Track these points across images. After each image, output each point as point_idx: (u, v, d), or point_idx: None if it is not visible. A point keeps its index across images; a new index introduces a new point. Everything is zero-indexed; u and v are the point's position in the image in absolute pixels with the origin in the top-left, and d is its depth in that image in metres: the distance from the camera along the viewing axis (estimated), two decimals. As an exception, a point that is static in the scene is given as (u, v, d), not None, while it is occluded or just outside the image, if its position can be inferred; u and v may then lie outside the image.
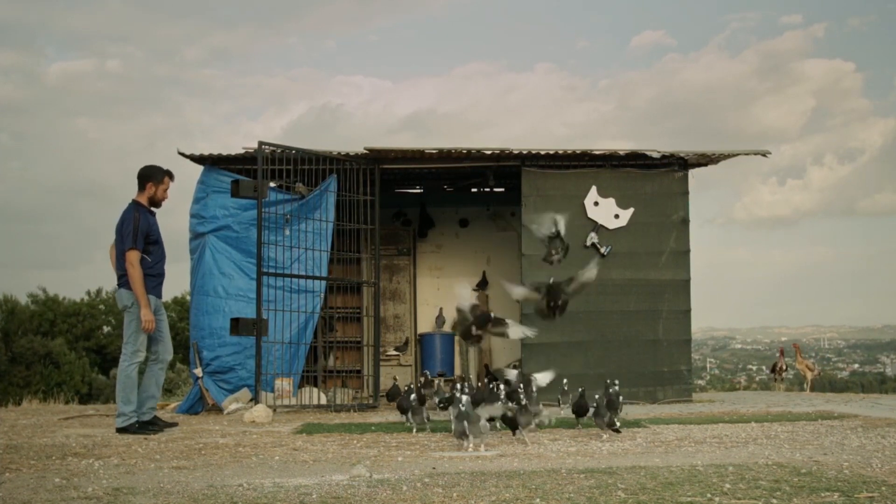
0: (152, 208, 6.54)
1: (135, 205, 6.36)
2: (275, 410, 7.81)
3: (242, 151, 8.62)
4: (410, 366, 10.95)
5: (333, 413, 8.17)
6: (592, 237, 8.75)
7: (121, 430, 6.35)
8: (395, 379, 8.31)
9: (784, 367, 10.79)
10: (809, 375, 10.58)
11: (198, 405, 8.39)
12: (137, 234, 6.20)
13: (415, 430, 6.34)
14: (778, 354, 11.14)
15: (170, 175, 6.55)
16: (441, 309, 10.91)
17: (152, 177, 6.44)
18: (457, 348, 10.72)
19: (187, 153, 8.64)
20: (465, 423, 5.13)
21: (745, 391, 13.68)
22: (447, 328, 10.83)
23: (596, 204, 8.81)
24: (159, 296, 6.51)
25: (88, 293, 30.19)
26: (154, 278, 6.31)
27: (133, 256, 6.19)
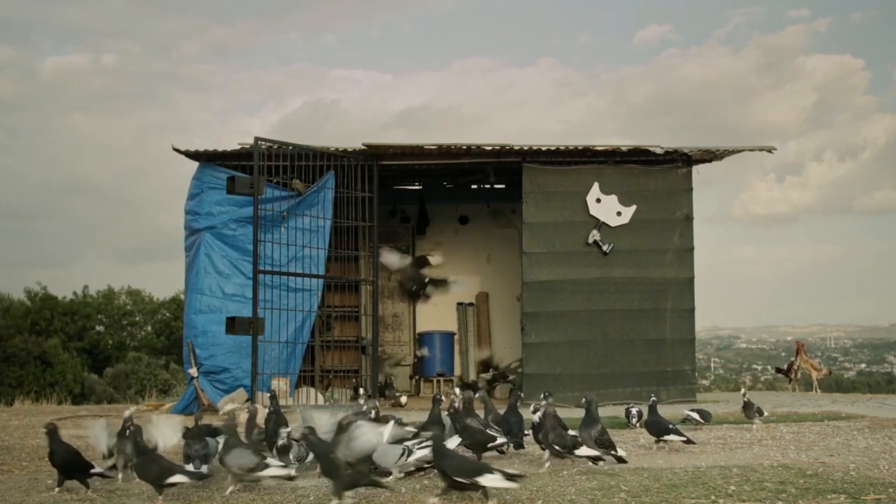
0: None
1: None
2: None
3: (238, 147, 8.52)
4: (409, 365, 10.86)
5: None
6: (594, 235, 8.64)
7: None
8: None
9: (798, 367, 10.59)
10: (815, 375, 10.42)
11: (193, 405, 8.29)
12: None
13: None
14: (795, 352, 10.93)
15: None
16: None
17: None
18: (456, 348, 10.62)
19: (182, 149, 8.54)
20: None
21: (751, 391, 13.56)
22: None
23: (598, 201, 8.69)
24: None
25: (75, 293, 30.08)
26: None
27: None
